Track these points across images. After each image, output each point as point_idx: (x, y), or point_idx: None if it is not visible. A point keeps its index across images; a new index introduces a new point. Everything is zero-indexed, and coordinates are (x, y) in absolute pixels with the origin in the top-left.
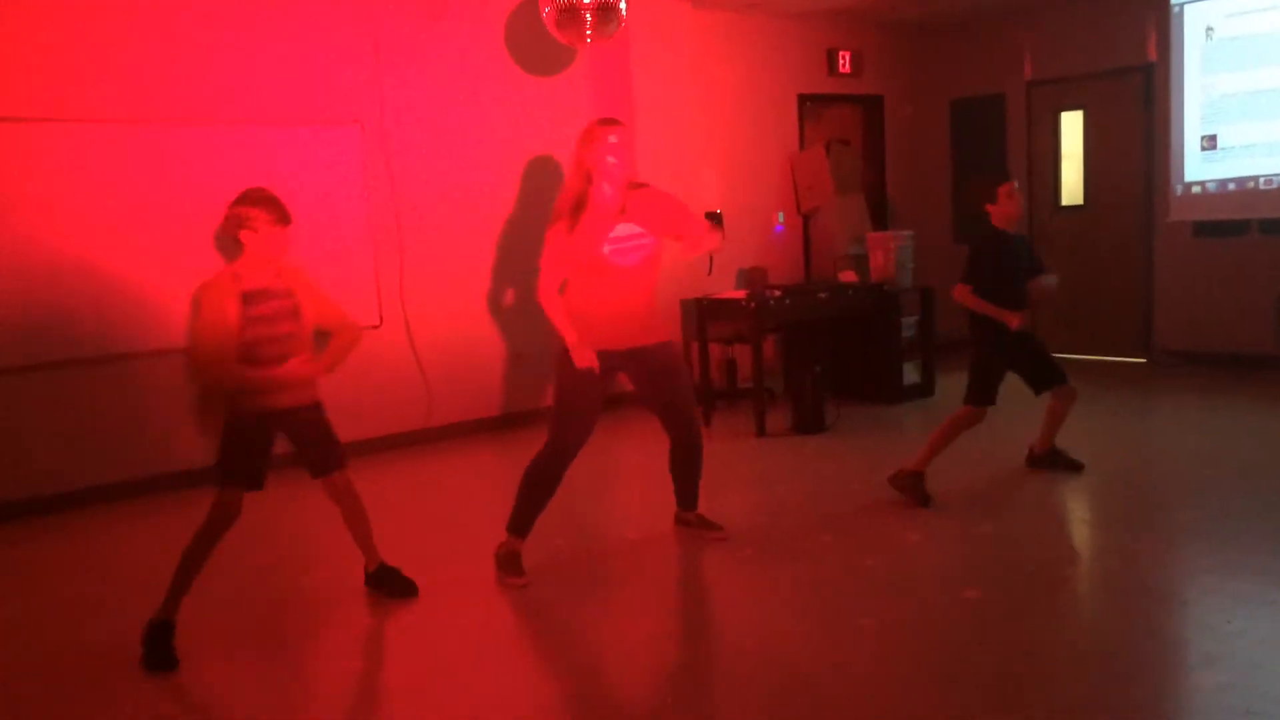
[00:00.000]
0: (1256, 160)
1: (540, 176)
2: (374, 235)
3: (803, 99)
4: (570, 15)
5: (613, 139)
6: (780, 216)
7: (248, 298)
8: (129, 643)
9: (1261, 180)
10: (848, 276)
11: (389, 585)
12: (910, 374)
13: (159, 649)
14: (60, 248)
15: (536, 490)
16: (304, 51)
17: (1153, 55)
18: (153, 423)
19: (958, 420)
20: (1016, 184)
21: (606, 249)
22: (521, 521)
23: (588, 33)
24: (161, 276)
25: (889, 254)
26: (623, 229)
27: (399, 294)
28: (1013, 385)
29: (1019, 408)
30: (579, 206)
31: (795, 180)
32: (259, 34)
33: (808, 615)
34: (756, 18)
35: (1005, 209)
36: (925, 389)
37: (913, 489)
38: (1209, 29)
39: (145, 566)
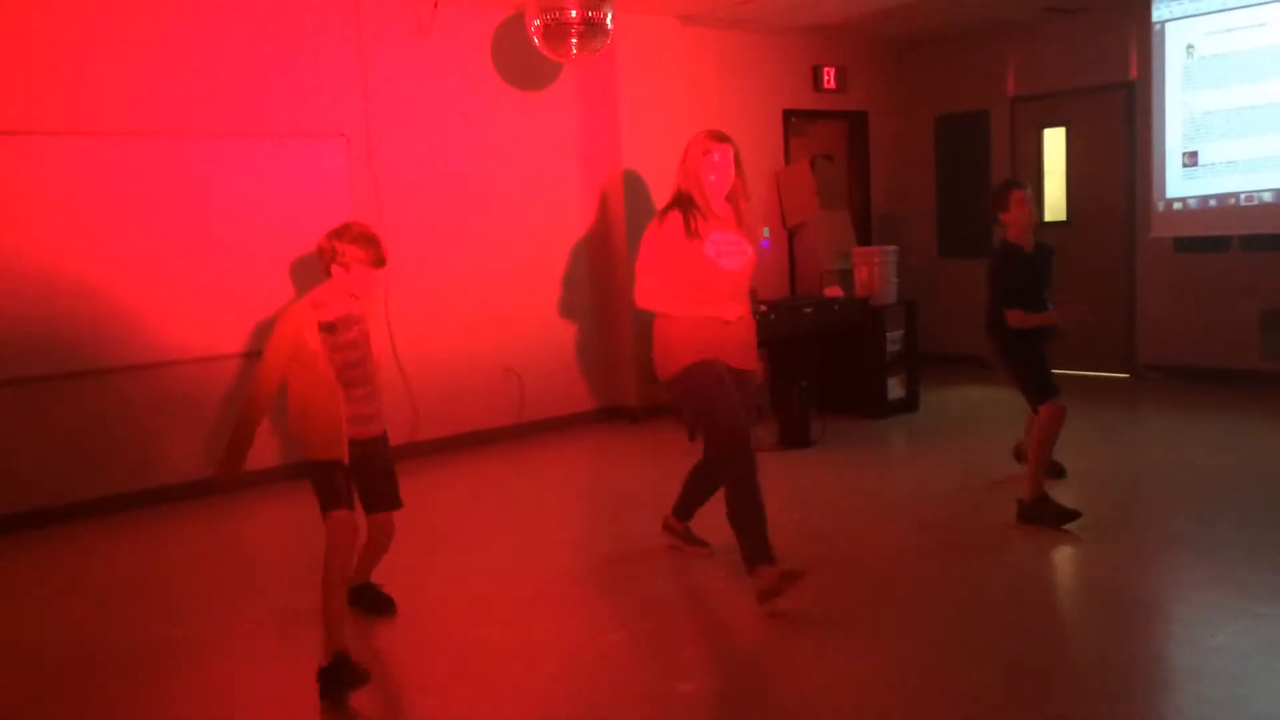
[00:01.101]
0: (1237, 177)
1: (526, 190)
2: None
3: (788, 114)
4: (557, 30)
5: (716, 156)
6: (765, 231)
7: (331, 326)
8: (116, 656)
9: (1242, 197)
10: (833, 291)
11: (368, 602)
12: (895, 389)
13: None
14: (49, 260)
15: (754, 511)
16: (291, 65)
17: (1134, 72)
18: (144, 436)
19: (1045, 425)
20: (1028, 191)
21: (709, 249)
22: (761, 548)
23: (574, 47)
24: (150, 289)
25: (874, 269)
26: (721, 235)
27: (384, 307)
28: (1004, 401)
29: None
30: (685, 211)
31: (780, 195)
32: (246, 48)
33: (790, 629)
34: (742, 34)
35: (1017, 217)
36: (910, 404)
37: (1044, 516)
38: (1190, 47)
39: (135, 581)
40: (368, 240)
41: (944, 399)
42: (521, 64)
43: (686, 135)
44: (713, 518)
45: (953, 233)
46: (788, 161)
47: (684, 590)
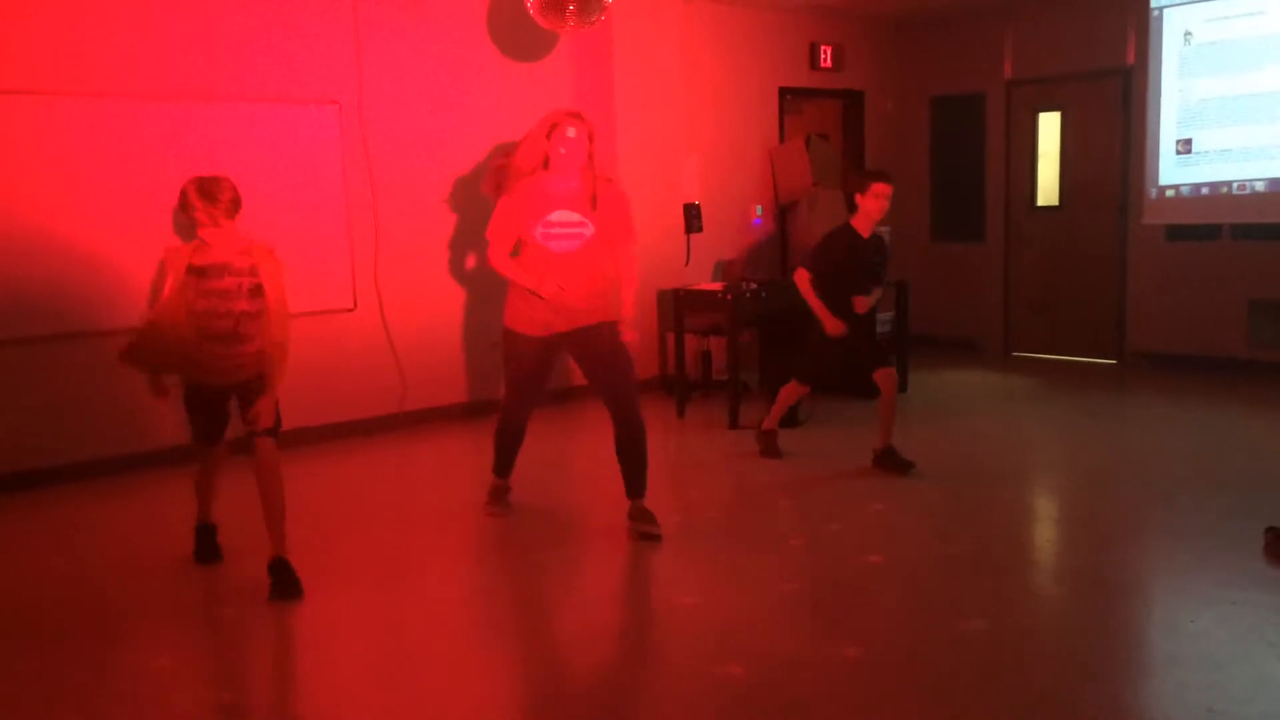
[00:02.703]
0: (1230, 166)
1: None
2: (350, 217)
3: (783, 92)
4: (554, 1)
5: (570, 132)
6: (759, 209)
7: (201, 271)
8: (94, 619)
9: (1234, 185)
10: None
11: (277, 581)
12: None
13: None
14: (36, 222)
15: (504, 447)
16: (284, 29)
17: (1131, 58)
18: (128, 401)
19: (790, 393)
20: (891, 189)
21: (538, 232)
22: (499, 466)
23: (570, 18)
24: (138, 253)
25: None
26: (561, 214)
27: (374, 277)
28: (993, 384)
29: (986, 405)
30: (521, 180)
31: (774, 173)
32: (239, 10)
33: (768, 610)
34: (739, 9)
35: (868, 205)
36: (898, 385)
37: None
38: (1187, 33)
39: (117, 544)
40: (207, 192)
41: (933, 381)
42: (517, 34)
43: (681, 110)
44: (692, 497)
45: (946, 216)
46: (782, 139)
47: (658, 560)
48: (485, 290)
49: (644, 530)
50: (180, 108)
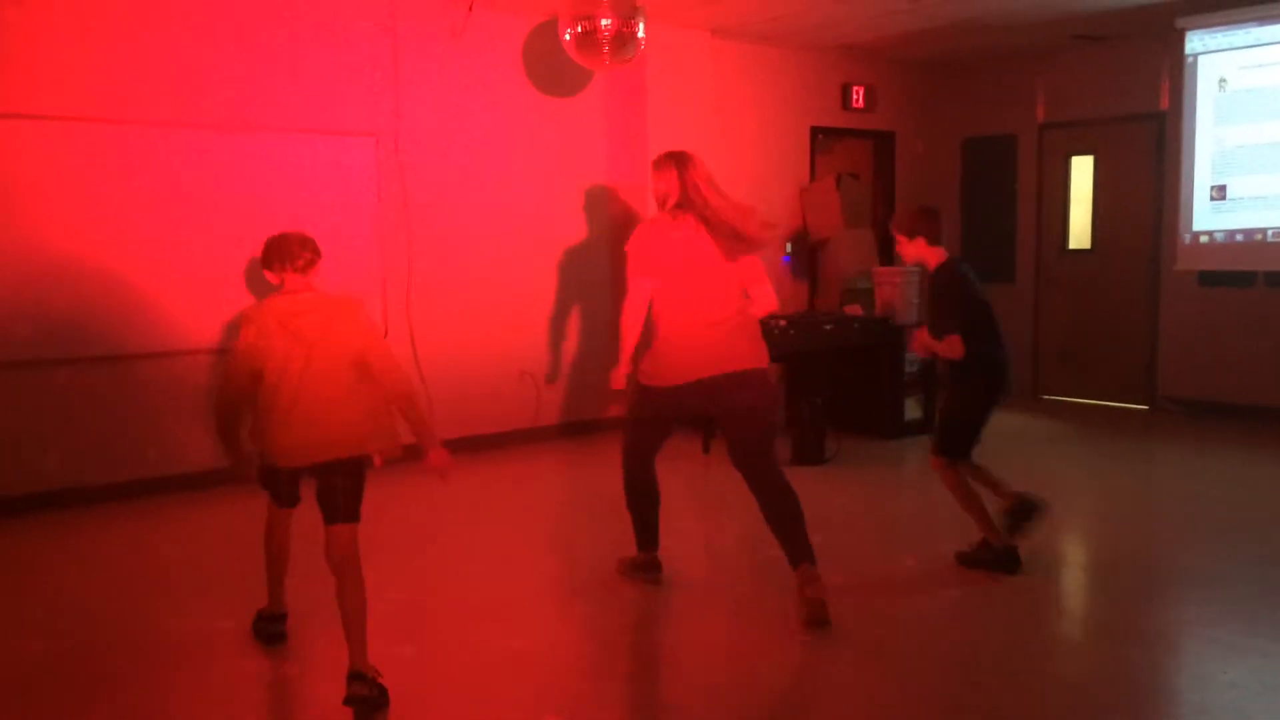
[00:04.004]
0: (1265, 213)
1: (552, 196)
2: (383, 248)
3: (815, 131)
4: (590, 39)
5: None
6: (789, 247)
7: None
8: (124, 642)
9: (1270, 233)
10: (853, 309)
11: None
12: (911, 410)
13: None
14: (77, 248)
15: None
16: (323, 63)
17: (1165, 103)
18: (163, 424)
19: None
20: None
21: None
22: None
23: (606, 55)
24: (176, 280)
25: (895, 288)
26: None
27: (405, 307)
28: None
29: (1013, 448)
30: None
31: (804, 212)
32: (280, 43)
33: (796, 647)
34: (773, 49)
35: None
36: (926, 425)
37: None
38: (1222, 80)
39: (150, 566)
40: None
41: None
42: (551, 71)
43: (714, 148)
44: (721, 535)
45: (977, 256)
46: (813, 178)
47: (663, 604)
48: (514, 321)
49: (811, 614)
50: (219, 137)
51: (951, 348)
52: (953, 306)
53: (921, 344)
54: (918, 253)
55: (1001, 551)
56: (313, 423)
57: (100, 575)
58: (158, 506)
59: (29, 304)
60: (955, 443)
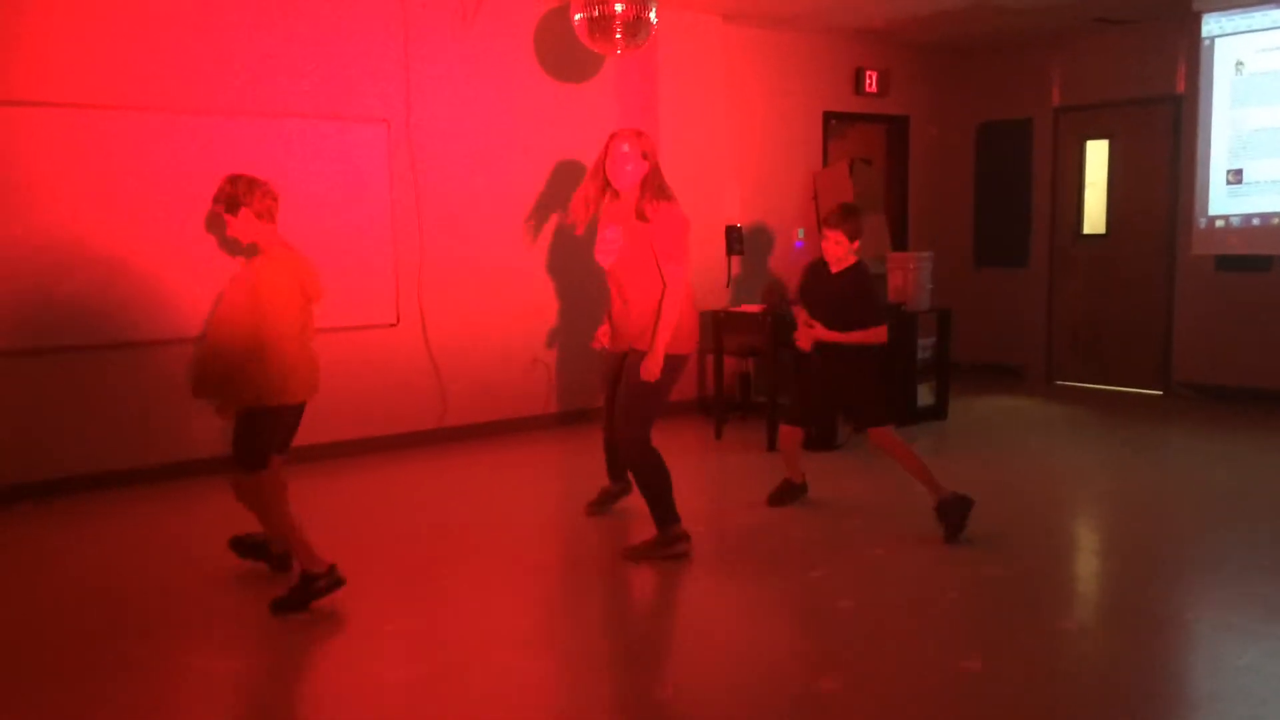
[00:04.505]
0: None
1: (563, 182)
2: (395, 234)
3: (828, 116)
4: (601, 24)
5: (624, 147)
6: (800, 233)
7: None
8: (129, 625)
9: None
10: None
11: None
12: (924, 396)
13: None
14: (90, 234)
15: (663, 480)
16: (334, 49)
17: (1181, 87)
18: (170, 411)
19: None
20: (832, 234)
21: (597, 246)
22: (670, 509)
23: (617, 41)
24: (185, 267)
25: (908, 275)
26: (611, 230)
27: (417, 293)
28: (1033, 412)
29: (1026, 433)
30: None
31: (817, 197)
32: (290, 29)
33: (807, 635)
34: (785, 33)
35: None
36: (938, 411)
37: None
38: (1239, 63)
39: (155, 551)
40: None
41: (973, 408)
42: (563, 56)
43: (726, 133)
44: (729, 520)
45: (990, 241)
46: (826, 163)
47: (693, 585)
48: (526, 307)
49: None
50: (231, 123)
51: (879, 335)
52: (878, 298)
53: (813, 338)
54: (845, 252)
55: (950, 500)
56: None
57: (115, 559)
58: (174, 492)
59: (43, 291)
60: (886, 409)
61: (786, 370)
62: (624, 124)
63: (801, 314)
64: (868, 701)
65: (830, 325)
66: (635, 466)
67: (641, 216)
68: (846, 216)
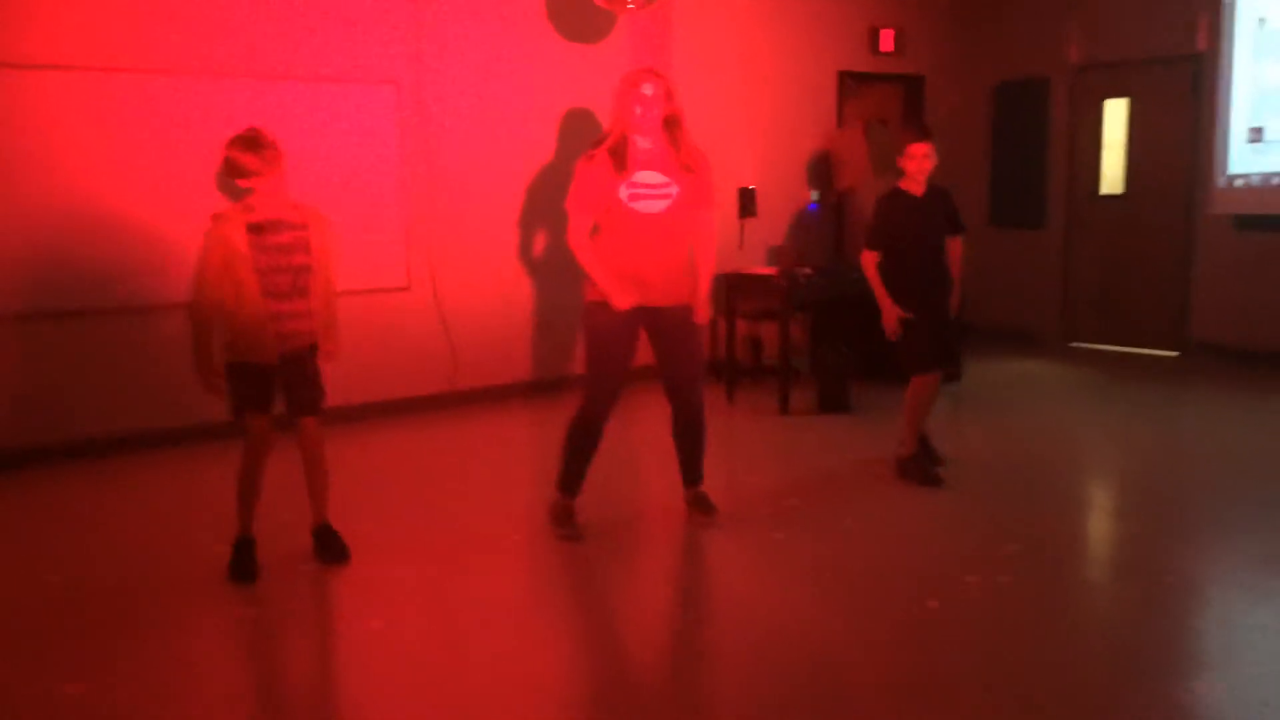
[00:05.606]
0: None
1: (575, 144)
2: (406, 197)
3: (843, 76)
4: None
5: (646, 89)
6: (814, 195)
7: (259, 227)
8: (150, 583)
9: None
10: None
11: (325, 546)
12: None
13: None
14: (95, 197)
15: (576, 450)
16: (343, 10)
17: (1202, 44)
18: (176, 374)
19: (917, 393)
20: (925, 147)
21: (624, 192)
22: (566, 480)
23: (630, 0)
24: (193, 229)
25: None
26: (646, 175)
27: (428, 257)
28: (1049, 374)
29: (1041, 395)
30: (611, 152)
31: (832, 159)
32: None
33: (824, 598)
34: None
35: (908, 167)
36: (952, 373)
37: (913, 473)
38: (1261, 19)
39: (159, 517)
40: (247, 146)
41: (988, 370)
42: (574, 16)
43: (739, 94)
44: (742, 483)
45: (1005, 201)
46: (840, 124)
47: (711, 549)
48: (539, 270)
49: (699, 519)
50: (239, 85)
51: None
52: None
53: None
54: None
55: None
56: None
57: (134, 519)
58: (198, 453)
59: (64, 254)
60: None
61: (800, 336)
62: None
63: (890, 307)
64: (884, 662)
65: (936, 251)
66: (702, 419)
67: (688, 167)
68: (930, 129)
